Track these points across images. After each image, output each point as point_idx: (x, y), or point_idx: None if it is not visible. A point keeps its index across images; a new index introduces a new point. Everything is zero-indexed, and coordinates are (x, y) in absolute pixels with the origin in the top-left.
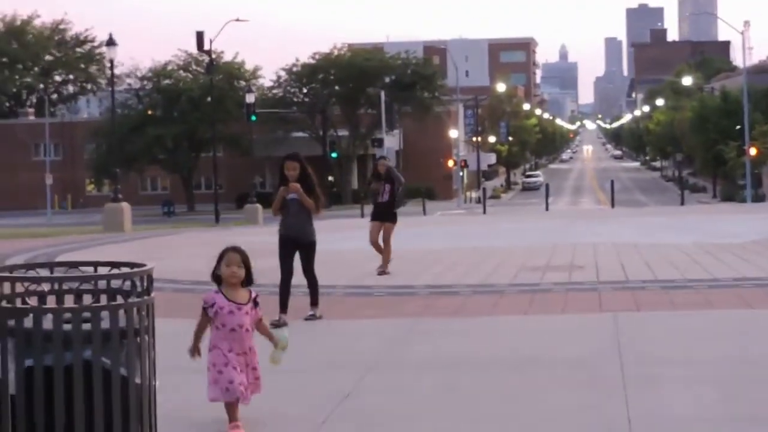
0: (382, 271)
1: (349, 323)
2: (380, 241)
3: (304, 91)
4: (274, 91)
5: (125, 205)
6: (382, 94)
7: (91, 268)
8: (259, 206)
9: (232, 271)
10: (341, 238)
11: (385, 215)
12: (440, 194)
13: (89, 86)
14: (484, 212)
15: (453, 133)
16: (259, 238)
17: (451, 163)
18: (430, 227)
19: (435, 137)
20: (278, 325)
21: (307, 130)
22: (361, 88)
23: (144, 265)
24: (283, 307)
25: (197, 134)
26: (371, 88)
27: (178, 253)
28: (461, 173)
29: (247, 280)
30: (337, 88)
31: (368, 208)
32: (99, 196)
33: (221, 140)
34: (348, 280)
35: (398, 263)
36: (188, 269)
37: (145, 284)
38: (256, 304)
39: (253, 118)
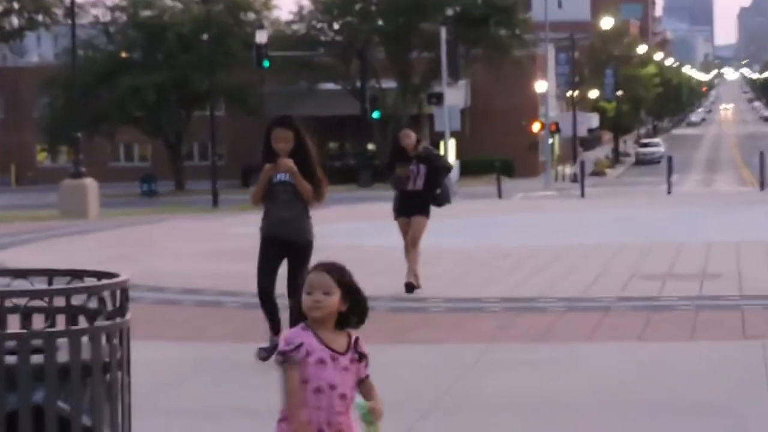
0: (411, 285)
1: (396, 350)
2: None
3: (336, 26)
4: (295, 27)
5: (90, 181)
6: (443, 31)
7: (43, 279)
8: None
9: (314, 300)
10: (383, 229)
11: (414, 206)
12: (522, 169)
13: (40, 18)
14: (582, 195)
15: (540, 86)
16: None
17: (537, 126)
18: (506, 216)
19: (515, 91)
20: (273, 349)
21: (340, 81)
22: (414, 24)
23: (116, 275)
24: (275, 325)
25: (189, 86)
26: (428, 23)
27: (162, 250)
28: (551, 141)
29: (347, 318)
30: (381, 22)
31: None
32: (54, 169)
33: (222, 94)
34: (393, 289)
35: (461, 266)
36: (176, 272)
37: (119, 301)
38: (361, 356)
39: (266, 63)
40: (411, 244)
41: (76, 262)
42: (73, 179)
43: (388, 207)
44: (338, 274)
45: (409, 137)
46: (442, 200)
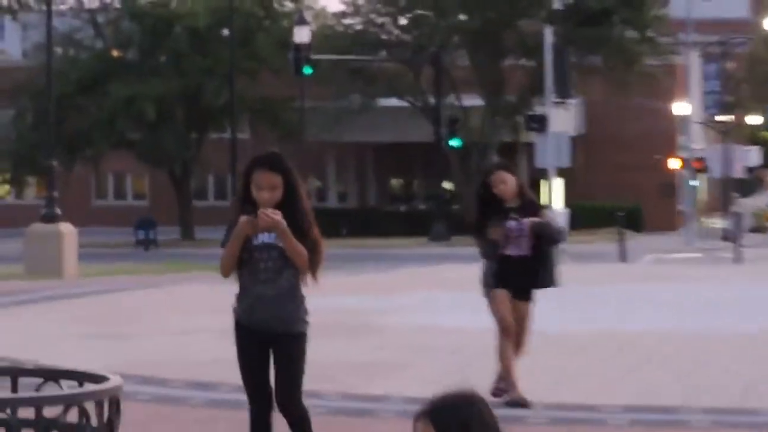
0: (498, 390)
1: None
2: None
3: (403, 22)
4: (347, 22)
5: (66, 227)
6: (548, 31)
7: (4, 380)
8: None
9: None
10: (466, 301)
11: (522, 281)
12: (653, 221)
13: (6, 2)
14: (738, 259)
15: (680, 108)
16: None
17: (675, 163)
18: (631, 286)
19: (646, 115)
20: None
21: (407, 96)
22: (510, 20)
23: (104, 378)
24: None
25: (202, 98)
26: (528, 19)
27: (163, 327)
28: (694, 183)
29: None
30: (463, 17)
31: None
32: (18, 208)
33: (246, 110)
34: (483, 387)
35: (567, 358)
36: (181, 358)
37: (106, 413)
38: None
39: (308, 70)
40: (518, 326)
41: (44, 344)
42: (44, 223)
43: (469, 269)
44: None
45: (506, 182)
46: (546, 282)
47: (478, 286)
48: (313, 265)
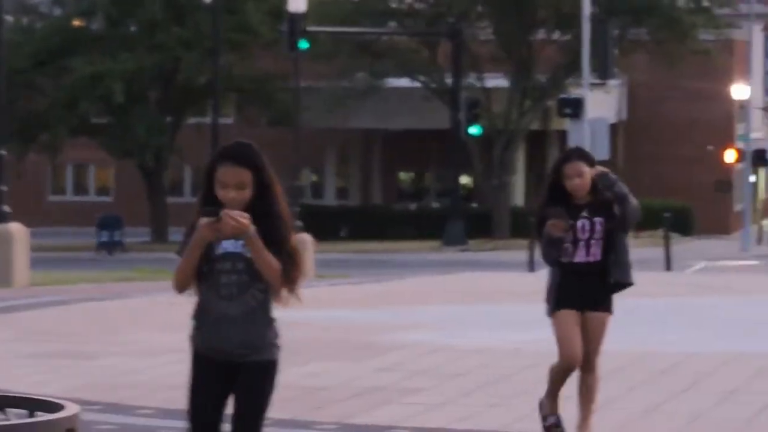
0: (551, 427)
1: None
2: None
3: None
4: None
5: (16, 227)
6: (586, 1)
7: None
8: (306, 237)
9: None
10: (485, 317)
11: (589, 292)
12: (705, 223)
13: None
14: None
15: (739, 92)
16: (320, 316)
17: (731, 156)
18: (675, 299)
19: (698, 99)
20: None
21: (420, 75)
22: None
23: (59, 407)
24: None
25: (179, 76)
26: None
27: (128, 344)
28: (753, 178)
29: None
30: None
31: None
32: None
33: (232, 90)
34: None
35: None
36: (149, 382)
37: None
38: None
39: (304, 44)
40: (586, 364)
41: None
42: None
43: (491, 280)
44: None
45: (582, 176)
46: (621, 276)
47: (523, 296)
48: (290, 281)
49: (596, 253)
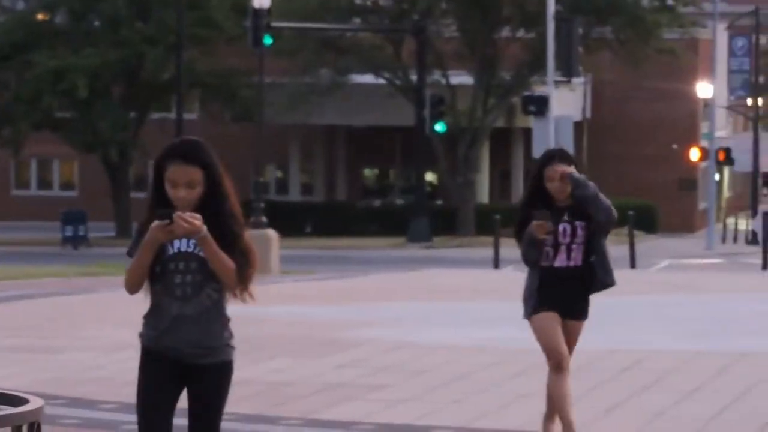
0: None
1: None
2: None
3: None
4: None
5: None
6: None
7: None
8: (271, 233)
9: None
10: (449, 314)
11: (572, 299)
12: (669, 221)
13: None
14: (765, 266)
15: (703, 90)
16: (283, 312)
17: (695, 154)
18: (640, 297)
19: (663, 97)
20: None
21: (385, 72)
22: None
23: (23, 401)
24: None
25: (143, 72)
26: None
27: (91, 339)
28: (717, 177)
29: None
30: None
31: (509, 251)
32: None
33: (196, 86)
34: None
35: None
36: (112, 376)
37: None
38: None
39: (268, 40)
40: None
41: None
42: None
43: (453, 278)
44: None
45: (558, 173)
46: (604, 277)
47: (484, 294)
48: (244, 279)
49: (577, 258)
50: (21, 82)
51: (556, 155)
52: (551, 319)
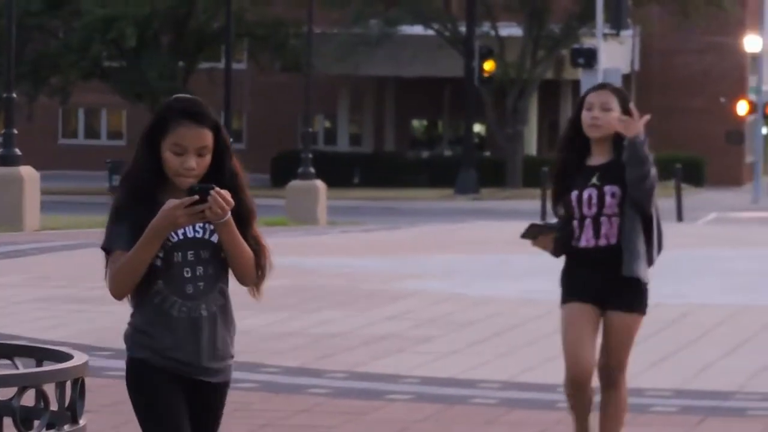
0: None
1: None
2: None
3: None
4: None
5: (27, 171)
6: None
7: None
8: (319, 184)
9: None
10: (496, 267)
11: (610, 286)
12: (717, 174)
13: None
14: None
15: (752, 43)
16: (330, 264)
17: (743, 108)
18: (686, 251)
19: (710, 50)
20: None
21: (434, 23)
22: None
23: (67, 356)
24: None
25: (191, 21)
26: None
27: None
28: (765, 130)
29: None
30: None
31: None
32: None
33: (244, 35)
34: (526, 377)
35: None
36: None
37: (68, 396)
38: None
39: None
40: (607, 378)
41: None
42: (1, 166)
43: (506, 229)
44: None
45: (609, 110)
46: (653, 253)
47: (510, 246)
48: (262, 274)
49: (610, 234)
50: (69, 31)
51: (606, 86)
52: (581, 318)
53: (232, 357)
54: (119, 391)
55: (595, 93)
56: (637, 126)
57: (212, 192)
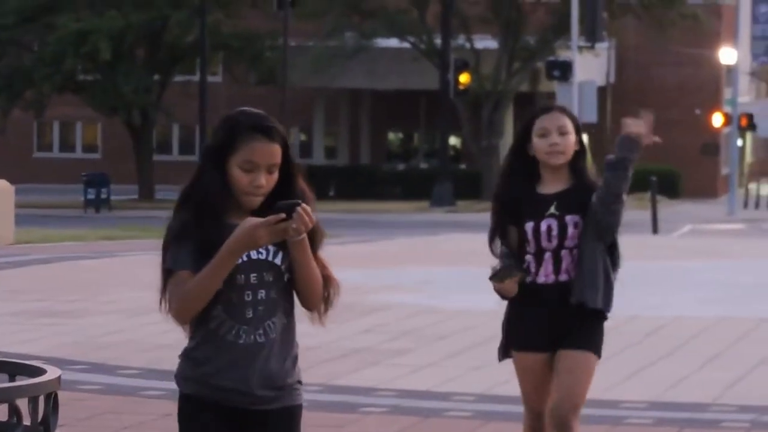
0: None
1: None
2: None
3: None
4: None
5: (2, 184)
6: None
7: None
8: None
9: None
10: (471, 279)
11: (565, 324)
12: (692, 186)
13: None
14: None
15: (726, 56)
16: None
17: (718, 120)
18: (661, 263)
19: (686, 63)
20: None
21: (410, 36)
22: None
23: (39, 371)
24: None
25: (166, 34)
26: None
27: (113, 303)
28: (740, 143)
29: None
30: None
31: None
32: None
33: (219, 48)
34: (499, 390)
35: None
36: (135, 340)
37: (41, 411)
38: None
39: (292, 2)
40: (558, 420)
41: None
42: None
43: (481, 241)
44: None
45: (565, 134)
46: (579, 296)
47: (485, 258)
48: (328, 301)
49: (570, 268)
50: (43, 45)
51: (555, 107)
52: (526, 364)
53: (299, 382)
54: (94, 405)
55: (548, 116)
56: (650, 137)
57: (298, 209)
